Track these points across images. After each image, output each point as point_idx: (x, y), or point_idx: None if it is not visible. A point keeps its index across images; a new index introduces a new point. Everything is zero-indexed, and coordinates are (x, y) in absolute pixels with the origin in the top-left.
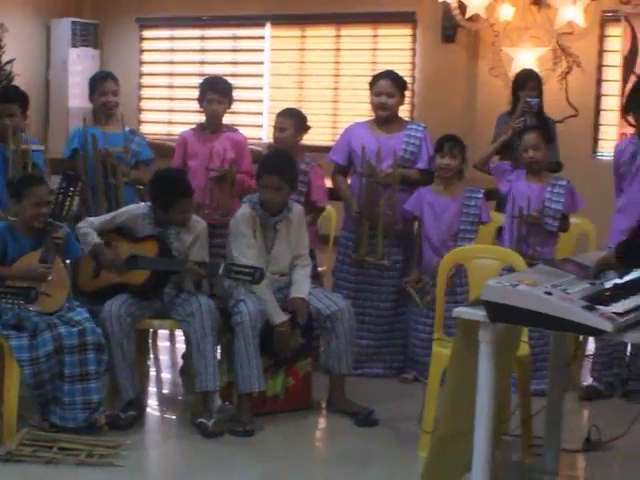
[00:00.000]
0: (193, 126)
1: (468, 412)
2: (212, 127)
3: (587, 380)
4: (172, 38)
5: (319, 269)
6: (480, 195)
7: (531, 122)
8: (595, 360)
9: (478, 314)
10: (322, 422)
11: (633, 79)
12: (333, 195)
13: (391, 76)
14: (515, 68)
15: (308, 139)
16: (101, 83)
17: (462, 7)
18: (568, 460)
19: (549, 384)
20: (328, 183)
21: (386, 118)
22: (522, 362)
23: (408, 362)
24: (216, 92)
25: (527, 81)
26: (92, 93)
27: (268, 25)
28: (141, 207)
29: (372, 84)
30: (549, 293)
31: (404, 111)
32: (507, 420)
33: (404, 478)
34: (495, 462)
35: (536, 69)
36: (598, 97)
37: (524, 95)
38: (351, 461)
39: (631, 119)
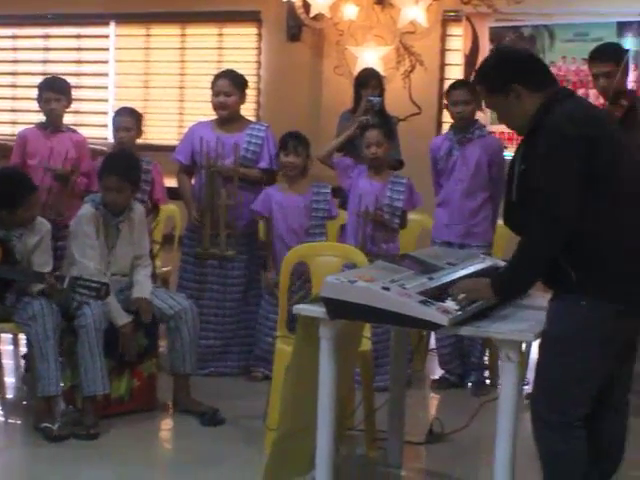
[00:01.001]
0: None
1: (310, 408)
2: (52, 126)
3: (439, 372)
4: (15, 36)
5: (164, 269)
6: (328, 190)
7: (373, 120)
8: (440, 353)
9: (318, 311)
10: (168, 423)
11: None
12: (179, 195)
13: (229, 75)
14: (359, 67)
15: (154, 138)
16: None
17: (306, 6)
18: (411, 453)
19: (391, 378)
20: (172, 182)
21: (227, 117)
22: (364, 357)
23: (258, 360)
24: (52, 91)
25: (369, 80)
26: None
27: (112, 24)
28: None
29: (213, 84)
30: (386, 288)
31: (249, 110)
32: (351, 415)
33: (250, 476)
34: (340, 457)
35: (380, 68)
36: (441, 95)
37: (366, 94)
38: (197, 461)
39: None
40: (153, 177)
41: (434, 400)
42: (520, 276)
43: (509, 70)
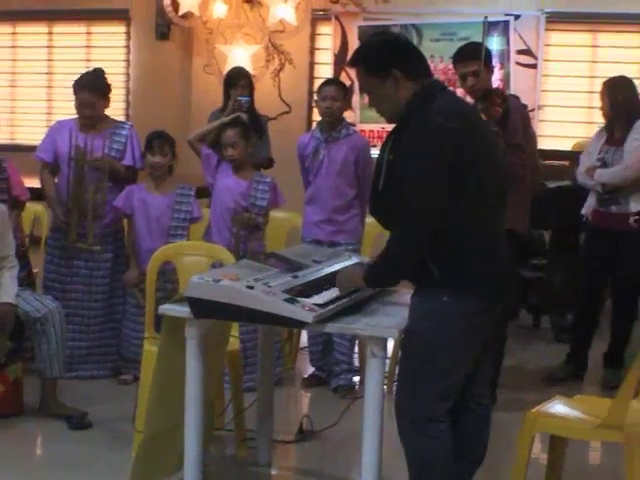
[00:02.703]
0: None
1: (178, 409)
2: None
3: (310, 370)
4: None
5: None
6: (192, 192)
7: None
8: (311, 350)
9: (183, 311)
10: (34, 427)
11: (345, 75)
12: (43, 195)
13: (89, 86)
14: (229, 66)
15: (23, 138)
16: None
17: (175, 4)
18: (281, 451)
19: (259, 377)
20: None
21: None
22: (232, 357)
23: (127, 362)
24: None
25: (238, 79)
26: None
27: None
28: None
29: (75, 92)
30: (251, 287)
31: (119, 109)
32: (220, 415)
33: (117, 479)
34: (208, 457)
35: (249, 66)
36: (310, 93)
37: (236, 93)
38: (64, 465)
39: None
40: (9, 174)
41: (304, 398)
42: (391, 266)
43: (391, 54)
